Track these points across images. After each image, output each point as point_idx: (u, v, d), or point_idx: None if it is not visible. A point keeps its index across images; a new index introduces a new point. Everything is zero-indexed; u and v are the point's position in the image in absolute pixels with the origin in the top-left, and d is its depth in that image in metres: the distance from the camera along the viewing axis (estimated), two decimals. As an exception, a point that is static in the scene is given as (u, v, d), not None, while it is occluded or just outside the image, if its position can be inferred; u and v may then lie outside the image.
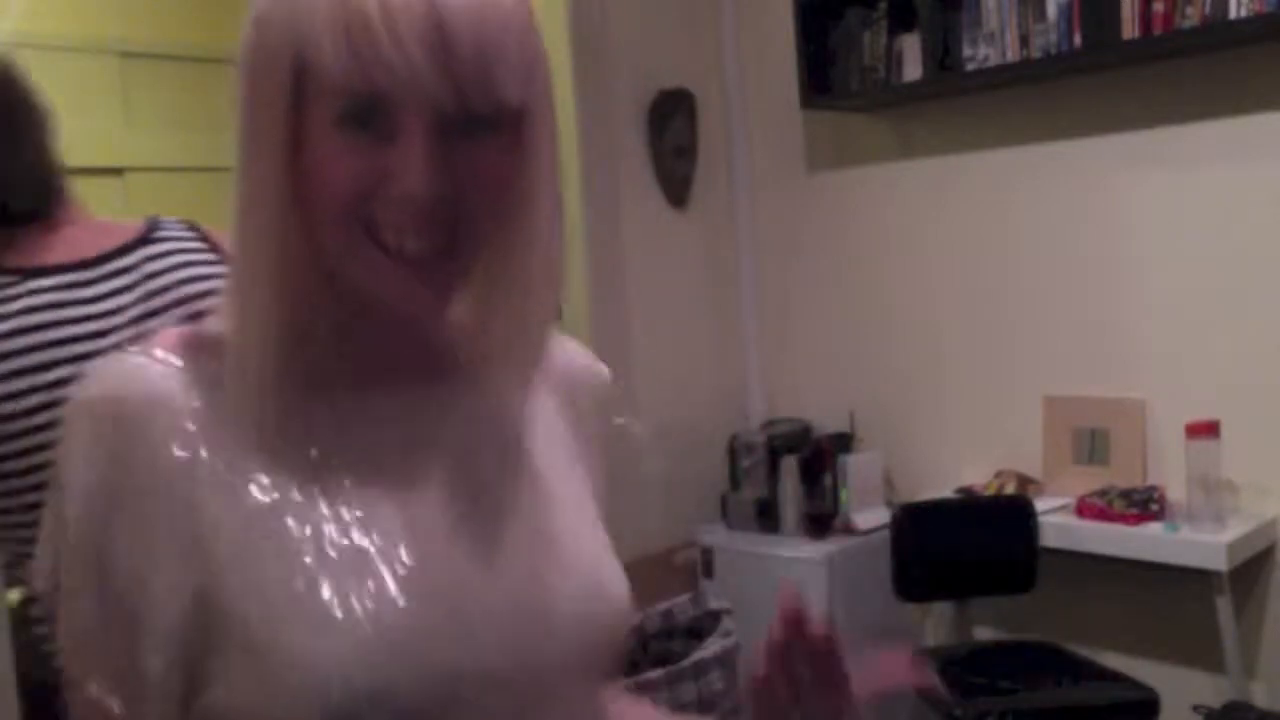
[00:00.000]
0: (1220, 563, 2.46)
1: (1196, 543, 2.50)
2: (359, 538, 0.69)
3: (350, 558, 0.68)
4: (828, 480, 3.19)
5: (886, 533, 2.78)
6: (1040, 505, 2.77)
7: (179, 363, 0.71)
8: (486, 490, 0.76)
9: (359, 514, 0.70)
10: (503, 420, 0.79)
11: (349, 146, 0.67)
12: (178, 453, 0.68)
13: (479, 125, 0.68)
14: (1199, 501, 2.54)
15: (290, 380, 0.71)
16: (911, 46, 3.05)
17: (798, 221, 3.51)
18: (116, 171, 4.40)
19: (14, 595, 2.26)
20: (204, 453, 0.69)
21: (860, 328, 3.39)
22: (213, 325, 0.75)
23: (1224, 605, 2.51)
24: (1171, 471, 2.71)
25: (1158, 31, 2.57)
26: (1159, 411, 2.80)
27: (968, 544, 2.77)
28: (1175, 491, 2.65)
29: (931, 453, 3.23)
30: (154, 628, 0.67)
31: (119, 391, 0.69)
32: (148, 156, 4.47)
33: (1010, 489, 2.89)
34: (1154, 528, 2.59)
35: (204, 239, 1.33)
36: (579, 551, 0.77)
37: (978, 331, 3.14)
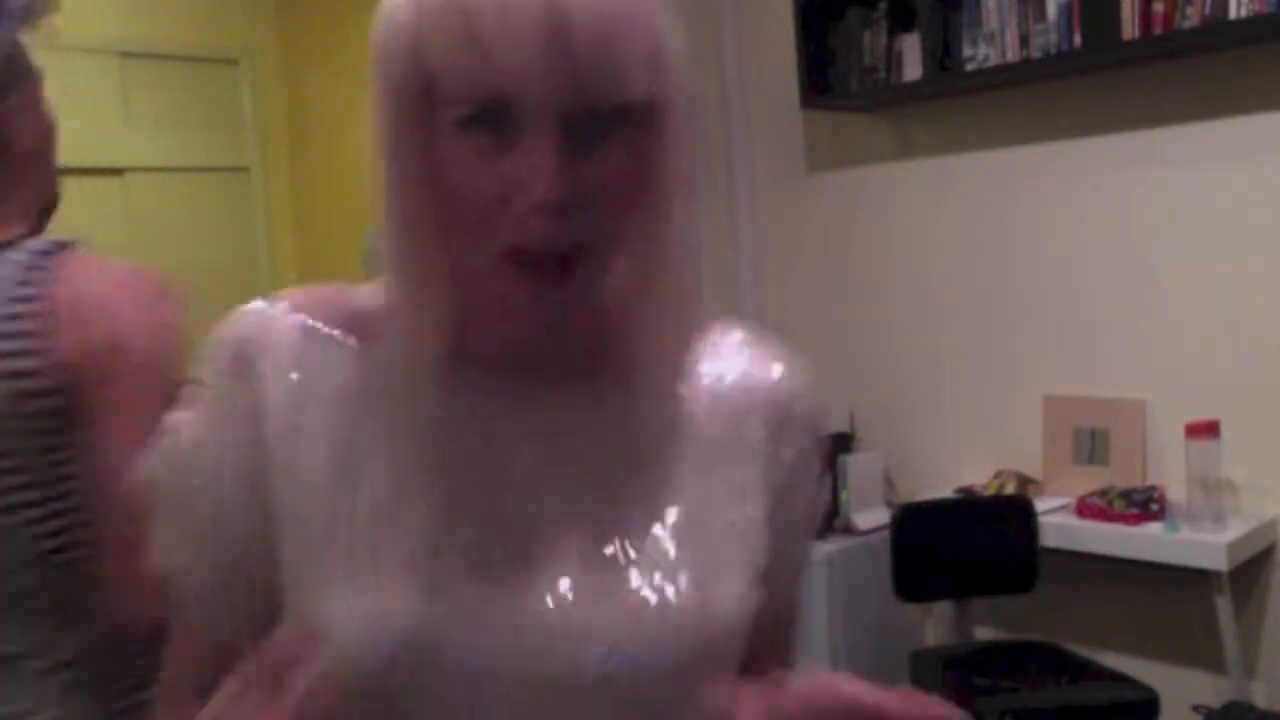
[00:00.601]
0: (1220, 563, 2.46)
1: (1196, 543, 2.50)
2: (425, 519, 0.70)
3: (405, 538, 0.69)
4: (828, 480, 3.19)
5: (886, 533, 2.78)
6: (1040, 505, 2.77)
7: (304, 319, 0.74)
8: (587, 497, 0.73)
9: (437, 498, 0.70)
10: (635, 430, 0.75)
11: (474, 152, 0.65)
12: (281, 400, 0.72)
13: (606, 122, 0.65)
14: (1199, 501, 2.54)
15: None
16: (911, 46, 3.05)
17: (798, 221, 3.51)
18: (116, 171, 4.40)
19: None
20: (304, 411, 0.72)
21: (860, 328, 3.39)
22: (357, 297, 0.76)
23: (1224, 605, 2.51)
24: (1171, 471, 2.71)
25: (1158, 31, 2.57)
26: (1159, 411, 2.80)
27: (968, 544, 2.77)
28: (1175, 491, 2.65)
29: (931, 453, 3.23)
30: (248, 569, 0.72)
31: (242, 334, 0.73)
32: (148, 156, 4.47)
33: (1010, 489, 2.89)
34: (1154, 528, 2.59)
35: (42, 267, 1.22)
36: (663, 585, 0.71)
37: (978, 331, 3.14)
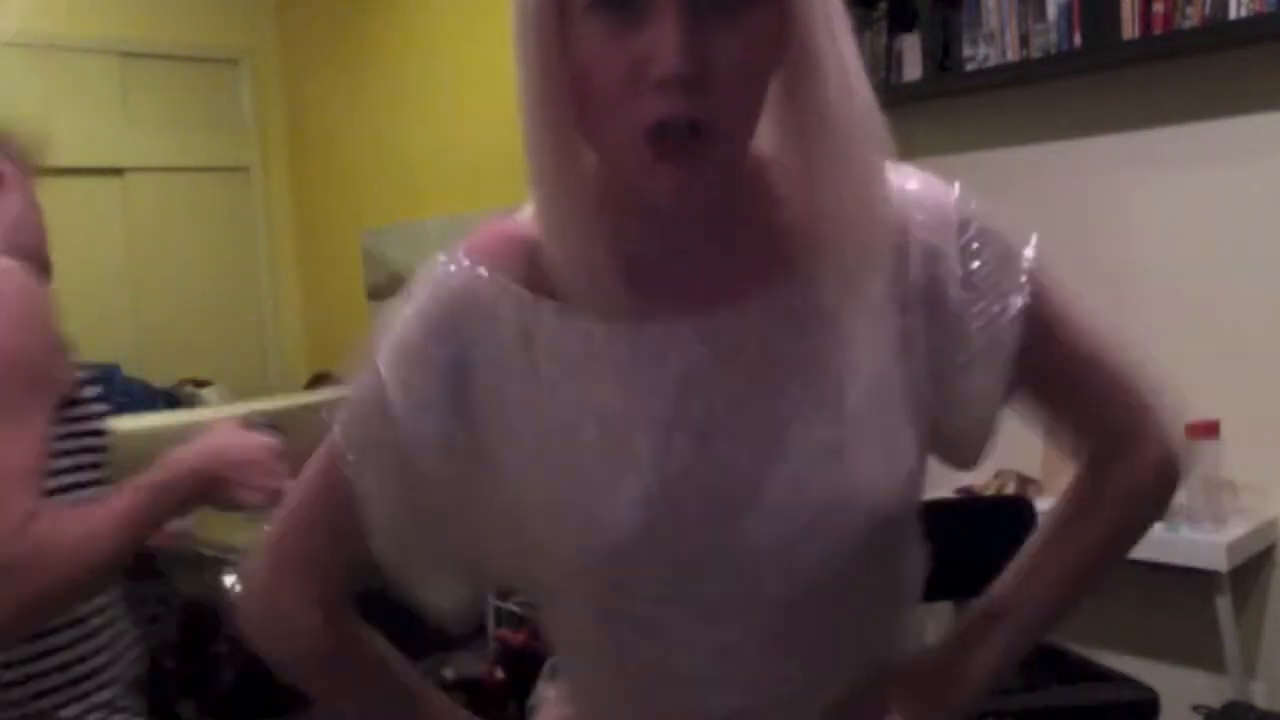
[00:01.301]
0: (1220, 563, 2.46)
1: (1196, 543, 2.50)
2: (641, 413, 0.75)
3: (631, 432, 0.75)
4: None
5: (886, 533, 2.78)
6: (1040, 505, 2.76)
7: (493, 275, 0.78)
8: (784, 382, 0.77)
9: (646, 396, 0.75)
10: (810, 321, 0.78)
11: (605, 32, 0.67)
12: (486, 353, 0.78)
13: (729, 1, 0.67)
14: (1199, 501, 2.54)
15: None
16: (911, 46, 3.05)
17: (798, 221, 3.51)
18: (116, 171, 4.40)
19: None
20: (502, 361, 0.77)
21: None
22: (521, 227, 0.79)
23: (1224, 605, 2.51)
24: (1171, 471, 2.71)
25: (1158, 31, 2.57)
26: (1159, 411, 2.79)
27: (968, 544, 2.77)
28: (1175, 491, 2.65)
29: (931, 453, 3.23)
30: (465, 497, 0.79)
31: (447, 295, 0.79)
32: (148, 156, 4.48)
33: (1010, 489, 2.89)
34: (1154, 528, 2.58)
35: None
36: (858, 452, 0.77)
37: (978, 331, 3.13)
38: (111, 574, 1.26)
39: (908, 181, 0.85)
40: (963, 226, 0.85)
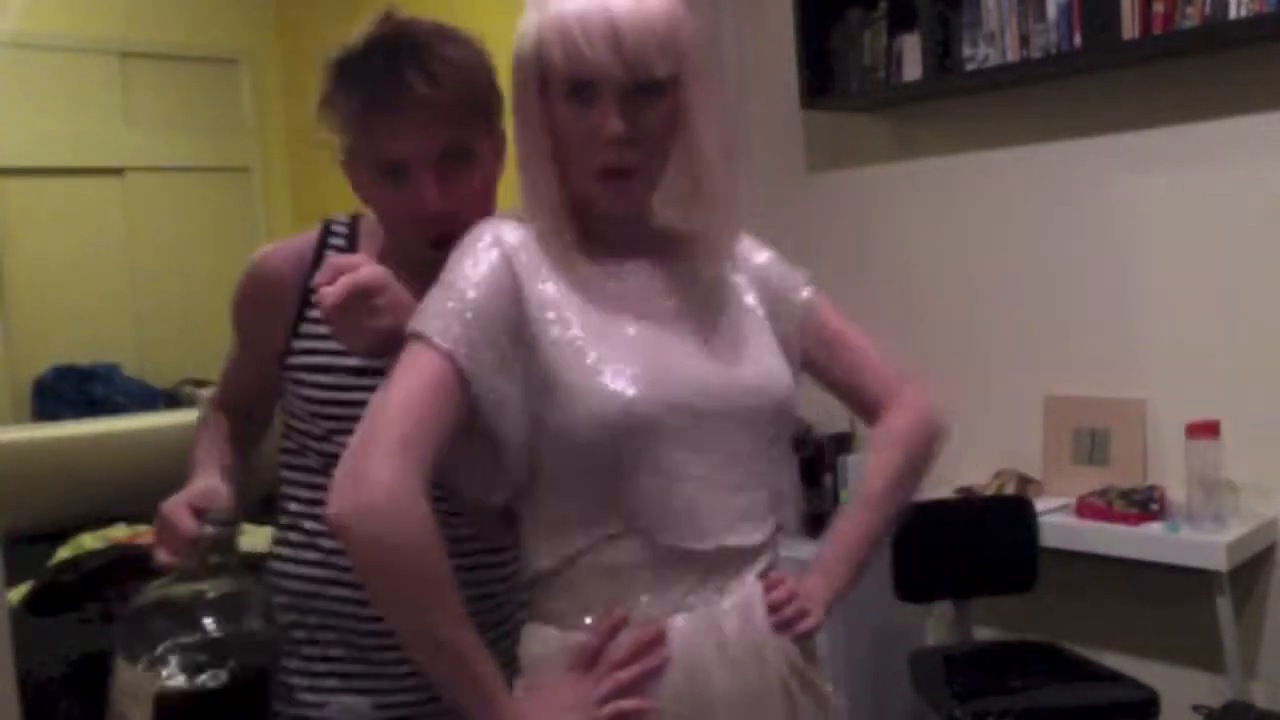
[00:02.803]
0: (1220, 563, 2.46)
1: (1196, 543, 2.50)
2: (628, 329, 1.15)
3: (626, 339, 1.14)
4: (828, 480, 3.19)
5: (886, 533, 2.78)
6: (1040, 505, 2.77)
7: (525, 233, 1.17)
8: (700, 314, 1.20)
9: (625, 321, 1.15)
10: (706, 279, 1.22)
11: (573, 111, 1.12)
12: (527, 283, 1.14)
13: (647, 92, 1.11)
14: (1199, 501, 2.54)
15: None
16: (911, 46, 3.05)
17: (798, 221, 3.51)
18: (116, 171, 4.40)
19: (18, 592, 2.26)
20: (539, 285, 1.14)
21: (860, 327, 3.38)
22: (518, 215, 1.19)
23: (1224, 605, 2.51)
24: (1171, 471, 2.71)
25: (1158, 31, 2.57)
26: (1159, 411, 2.80)
27: (968, 544, 2.77)
28: (1175, 491, 2.65)
29: (931, 453, 3.23)
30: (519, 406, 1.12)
31: (508, 243, 1.15)
32: (148, 156, 4.47)
33: (1010, 489, 2.89)
34: (1154, 528, 2.59)
35: None
36: (760, 358, 1.22)
37: (978, 331, 3.14)
38: None
39: (753, 245, 1.33)
40: (769, 259, 1.34)
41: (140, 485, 3.55)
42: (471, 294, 1.10)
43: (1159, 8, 2.56)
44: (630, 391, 1.09)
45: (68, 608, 2.64)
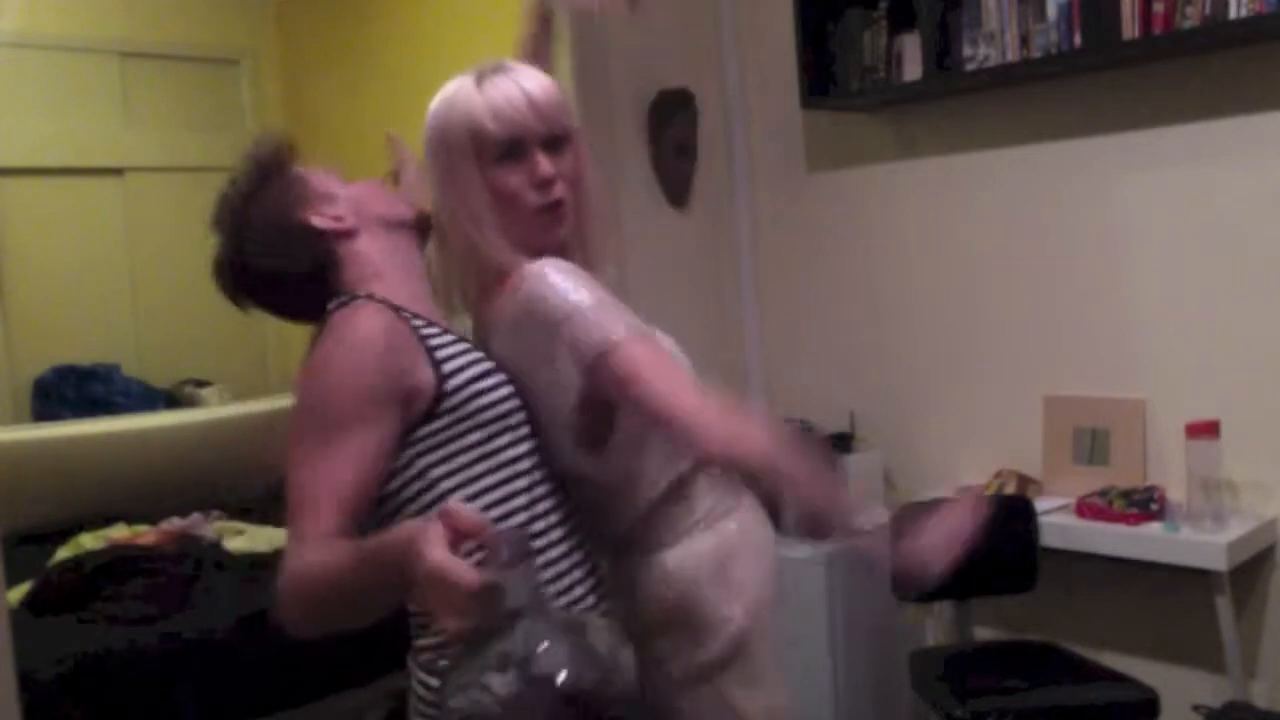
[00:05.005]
0: (1220, 563, 2.46)
1: (1196, 543, 2.50)
2: None
3: None
4: (828, 480, 3.19)
5: (887, 533, 2.77)
6: (1040, 505, 2.77)
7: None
8: None
9: None
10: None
11: (509, 171, 1.39)
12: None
13: (559, 143, 1.41)
14: (1199, 501, 2.54)
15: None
16: (911, 46, 3.04)
17: (798, 221, 3.51)
18: (116, 171, 4.40)
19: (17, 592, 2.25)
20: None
21: (860, 327, 3.39)
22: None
23: (1224, 605, 2.51)
24: (1171, 471, 2.71)
25: (1158, 31, 2.57)
26: (1159, 411, 2.80)
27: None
28: (1175, 491, 2.65)
29: (931, 453, 3.23)
30: None
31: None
32: (148, 156, 4.47)
33: (1010, 489, 2.89)
34: (1154, 528, 2.59)
35: None
36: None
37: (978, 331, 3.14)
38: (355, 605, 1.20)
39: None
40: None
41: (140, 485, 3.58)
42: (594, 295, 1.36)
43: (1159, 8, 2.56)
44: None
45: (68, 608, 2.64)
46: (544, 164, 1.37)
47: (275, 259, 1.42)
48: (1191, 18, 2.52)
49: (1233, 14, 2.46)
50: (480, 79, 1.40)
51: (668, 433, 1.34)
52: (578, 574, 1.39)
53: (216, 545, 3.13)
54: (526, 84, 1.39)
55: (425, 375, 1.31)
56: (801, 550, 3.07)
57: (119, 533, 3.17)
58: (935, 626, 3.04)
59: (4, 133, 4.05)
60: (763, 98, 3.52)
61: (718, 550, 1.44)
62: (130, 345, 4.36)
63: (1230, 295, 2.68)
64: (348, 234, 1.44)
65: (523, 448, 1.37)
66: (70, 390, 4.07)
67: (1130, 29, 2.60)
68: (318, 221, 1.43)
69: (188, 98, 4.62)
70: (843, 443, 3.24)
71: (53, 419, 3.90)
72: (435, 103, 1.43)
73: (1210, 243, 2.70)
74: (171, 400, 4.23)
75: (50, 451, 3.50)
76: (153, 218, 4.44)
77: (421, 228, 1.51)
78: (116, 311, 4.35)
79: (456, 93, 1.41)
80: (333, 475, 1.22)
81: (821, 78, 3.22)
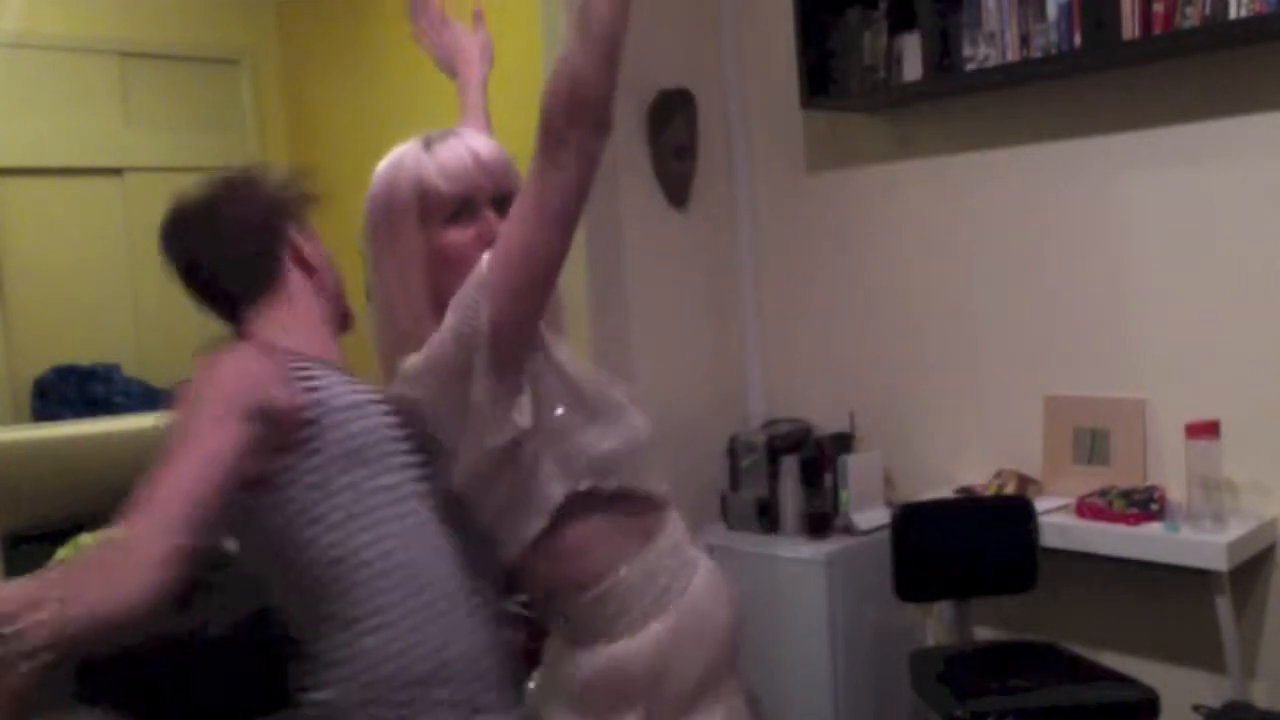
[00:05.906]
0: (1220, 563, 2.46)
1: (1196, 543, 2.50)
2: None
3: None
4: (828, 480, 3.19)
5: (886, 533, 2.78)
6: (1040, 505, 2.77)
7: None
8: None
9: None
10: None
11: (459, 230, 1.41)
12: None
13: (505, 205, 1.40)
14: (1199, 501, 2.54)
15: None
16: (911, 46, 3.04)
17: (798, 221, 3.51)
18: (116, 171, 4.40)
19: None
20: None
21: (860, 328, 3.39)
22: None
23: (1224, 605, 2.51)
24: (1171, 471, 2.71)
25: (1158, 31, 2.57)
26: (1159, 411, 2.80)
27: (968, 544, 2.77)
28: (1175, 491, 2.65)
29: (931, 453, 3.23)
30: None
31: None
32: (147, 156, 4.47)
33: (1010, 489, 2.89)
34: (1154, 528, 2.58)
35: None
36: None
37: (978, 331, 3.14)
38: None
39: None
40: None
41: (140, 485, 3.57)
42: None
43: (1159, 8, 2.56)
44: None
45: (68, 608, 2.64)
46: (495, 221, 1.39)
47: (242, 245, 1.58)
48: (1191, 18, 2.52)
49: (1233, 14, 2.46)
50: (429, 143, 1.43)
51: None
52: (483, 615, 1.46)
53: (215, 545, 3.13)
54: (474, 144, 1.43)
55: (288, 393, 1.36)
56: (802, 550, 3.07)
57: (119, 533, 3.17)
58: (935, 626, 3.04)
59: (4, 133, 4.06)
60: (763, 98, 3.52)
61: (654, 652, 1.43)
62: (130, 345, 4.36)
63: (1230, 295, 2.68)
64: (307, 268, 1.54)
65: (414, 481, 1.42)
66: (70, 390, 4.07)
67: (1130, 29, 2.60)
68: (295, 237, 1.53)
69: (187, 98, 4.62)
70: (843, 443, 3.24)
71: (53, 419, 3.90)
72: (381, 166, 1.44)
73: (1210, 242, 2.70)
74: (171, 400, 4.23)
75: (50, 451, 3.50)
76: (153, 218, 4.39)
77: (345, 319, 1.61)
78: (116, 311, 4.35)
79: (404, 156, 1.43)
80: (183, 473, 1.33)
81: (821, 78, 3.22)
